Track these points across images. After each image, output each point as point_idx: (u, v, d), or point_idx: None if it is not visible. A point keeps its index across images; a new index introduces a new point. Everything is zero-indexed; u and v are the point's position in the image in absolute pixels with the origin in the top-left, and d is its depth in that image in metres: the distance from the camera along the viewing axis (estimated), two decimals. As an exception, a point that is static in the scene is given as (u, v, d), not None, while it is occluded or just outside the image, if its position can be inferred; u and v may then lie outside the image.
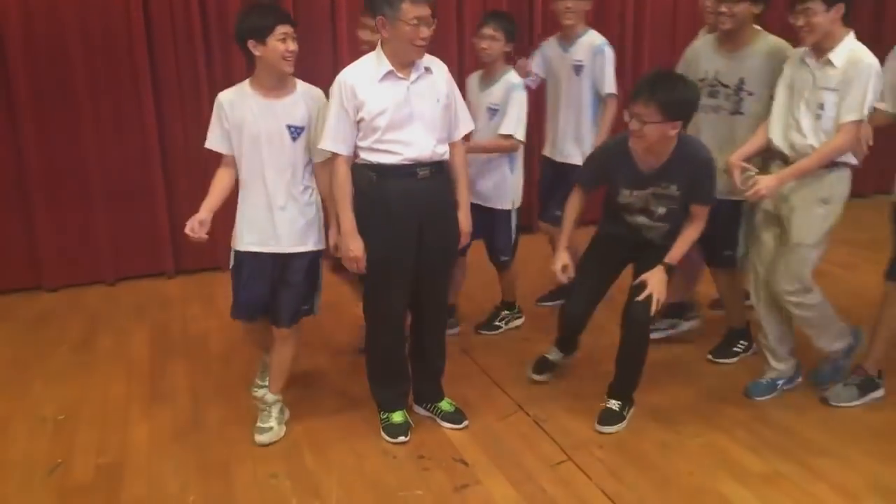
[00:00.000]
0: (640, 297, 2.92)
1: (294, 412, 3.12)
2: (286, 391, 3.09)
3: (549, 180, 3.99)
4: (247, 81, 2.84)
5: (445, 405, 3.11)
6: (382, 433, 2.99)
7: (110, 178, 4.61)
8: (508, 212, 3.69)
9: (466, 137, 3.05)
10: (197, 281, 4.77)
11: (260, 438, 2.95)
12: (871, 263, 4.00)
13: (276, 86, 2.81)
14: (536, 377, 3.39)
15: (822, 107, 2.91)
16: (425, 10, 2.65)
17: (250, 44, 2.71)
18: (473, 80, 3.72)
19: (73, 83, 4.42)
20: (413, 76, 2.76)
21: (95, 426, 3.12)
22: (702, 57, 3.36)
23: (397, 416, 3.02)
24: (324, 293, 3.08)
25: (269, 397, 3.03)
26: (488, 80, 3.61)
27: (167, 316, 4.29)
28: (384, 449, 2.93)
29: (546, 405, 3.20)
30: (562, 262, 3.08)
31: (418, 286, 2.93)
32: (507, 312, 3.98)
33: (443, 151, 2.85)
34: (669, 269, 2.99)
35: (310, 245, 2.92)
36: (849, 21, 2.92)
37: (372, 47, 2.85)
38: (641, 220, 3.06)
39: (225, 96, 2.84)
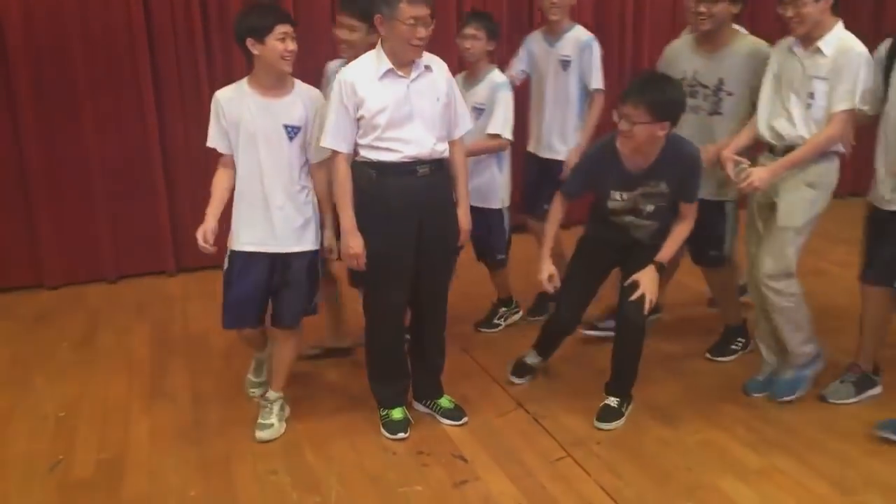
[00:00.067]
0: (633, 297, 2.94)
1: (294, 409, 3.13)
2: (287, 389, 3.09)
3: (534, 177, 3.95)
4: (245, 80, 2.84)
5: (445, 402, 3.12)
6: (382, 430, 3.00)
7: (111, 176, 4.61)
8: (500, 210, 3.70)
9: None
10: (198, 279, 4.76)
11: (260, 435, 2.96)
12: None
13: (274, 85, 2.81)
14: (516, 380, 3.38)
15: (811, 96, 2.90)
16: (423, 11, 2.65)
17: (249, 43, 2.72)
18: (457, 80, 3.70)
19: (74, 81, 4.42)
20: (413, 74, 2.77)
21: (96, 423, 3.13)
22: (681, 56, 3.36)
23: (397, 413, 3.03)
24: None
25: (271, 394, 3.04)
26: (472, 79, 3.61)
27: (168, 314, 4.29)
28: (384, 445, 2.94)
29: (545, 402, 3.21)
30: (547, 272, 3.08)
31: (418, 284, 2.94)
32: (504, 309, 3.99)
33: (442, 149, 2.86)
34: (661, 268, 3.01)
35: (308, 244, 2.92)
36: (837, 10, 2.90)
37: (350, 46, 2.85)
38: (629, 219, 3.06)
39: (222, 94, 2.85)
